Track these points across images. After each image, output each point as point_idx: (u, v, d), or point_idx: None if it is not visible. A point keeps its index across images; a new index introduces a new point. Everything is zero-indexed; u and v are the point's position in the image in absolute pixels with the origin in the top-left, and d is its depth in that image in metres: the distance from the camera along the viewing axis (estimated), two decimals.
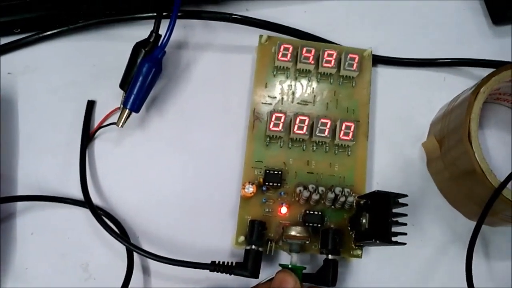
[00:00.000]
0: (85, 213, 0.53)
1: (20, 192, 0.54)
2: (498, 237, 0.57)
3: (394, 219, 0.47)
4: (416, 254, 0.56)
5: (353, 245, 0.52)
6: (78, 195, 0.53)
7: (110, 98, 0.56)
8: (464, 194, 0.53)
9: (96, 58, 0.59)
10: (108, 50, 0.59)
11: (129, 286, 0.51)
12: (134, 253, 0.52)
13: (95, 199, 0.54)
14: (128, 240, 0.52)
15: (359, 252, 0.52)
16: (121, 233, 0.53)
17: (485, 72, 0.52)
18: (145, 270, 0.53)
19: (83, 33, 0.59)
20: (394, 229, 0.46)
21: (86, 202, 0.52)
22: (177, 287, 0.53)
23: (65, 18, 0.58)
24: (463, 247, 0.55)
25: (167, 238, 0.54)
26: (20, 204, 0.54)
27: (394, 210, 0.47)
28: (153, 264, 0.53)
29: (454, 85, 0.60)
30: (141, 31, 0.55)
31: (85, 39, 0.59)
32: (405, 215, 0.47)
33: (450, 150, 0.52)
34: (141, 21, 0.58)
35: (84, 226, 0.53)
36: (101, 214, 0.52)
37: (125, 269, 0.52)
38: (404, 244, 0.46)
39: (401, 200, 0.47)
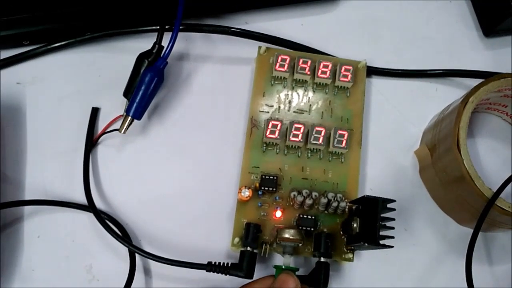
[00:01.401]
0: (89, 217, 0.54)
1: (28, 196, 0.55)
2: (489, 240, 0.58)
3: (383, 223, 0.47)
4: (408, 259, 0.56)
5: (345, 249, 0.53)
6: (83, 199, 0.54)
7: (114, 106, 0.57)
8: (455, 201, 0.54)
9: (101, 69, 0.60)
10: (113, 61, 0.60)
11: (131, 287, 0.52)
12: (136, 255, 0.53)
13: (99, 203, 0.55)
14: (130, 242, 0.53)
15: (350, 255, 0.53)
16: (123, 236, 0.54)
17: (476, 82, 0.53)
18: (147, 272, 0.54)
19: (89, 45, 0.60)
20: (383, 233, 0.47)
21: (89, 206, 0.53)
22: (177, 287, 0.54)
23: (72, 31, 0.59)
24: (454, 251, 0.56)
25: (168, 240, 0.55)
26: (27, 208, 0.55)
27: (383, 215, 0.48)
28: (154, 265, 0.54)
29: (446, 95, 0.61)
30: (144, 43, 0.56)
31: (91, 51, 0.60)
32: (393, 219, 0.48)
33: (440, 157, 0.53)
34: (145, 34, 0.59)
35: (88, 230, 0.54)
36: (104, 218, 0.53)
37: (127, 270, 0.52)
38: (392, 247, 0.47)
39: (389, 205, 0.48)
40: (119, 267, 0.53)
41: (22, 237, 0.54)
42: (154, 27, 0.59)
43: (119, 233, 0.53)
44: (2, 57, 0.59)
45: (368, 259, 0.56)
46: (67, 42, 0.59)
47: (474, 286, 0.50)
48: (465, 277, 0.50)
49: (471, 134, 0.60)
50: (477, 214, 0.51)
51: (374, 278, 0.56)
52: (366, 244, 0.47)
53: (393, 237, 0.47)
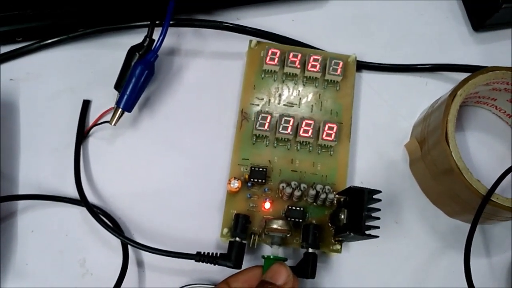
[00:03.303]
0: (82, 211, 0.54)
1: (21, 191, 0.55)
2: (481, 232, 0.58)
3: (369, 213, 0.48)
4: (399, 251, 0.57)
5: (333, 240, 0.53)
6: (76, 193, 0.54)
7: (105, 100, 0.57)
8: (444, 193, 0.55)
9: (93, 64, 0.60)
10: (105, 57, 0.60)
11: (125, 279, 0.52)
12: (129, 248, 0.54)
13: (91, 197, 0.55)
14: (122, 233, 0.54)
15: (338, 247, 0.53)
16: (116, 229, 0.54)
17: (465, 76, 0.53)
18: (140, 264, 0.54)
19: (82, 41, 0.60)
20: (370, 223, 0.48)
21: (81, 200, 0.53)
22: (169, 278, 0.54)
23: (65, 27, 0.59)
24: (444, 243, 0.57)
25: (160, 232, 0.55)
26: (21, 203, 0.55)
27: (370, 206, 0.48)
28: (146, 258, 0.54)
29: (436, 89, 0.61)
30: (136, 39, 0.57)
31: (83, 47, 0.61)
32: (379, 209, 0.48)
33: (430, 150, 0.54)
34: (137, 30, 0.60)
35: (82, 224, 0.55)
36: (97, 212, 0.53)
37: (121, 264, 0.53)
38: (377, 237, 0.47)
39: (375, 196, 0.48)
40: (113, 260, 0.54)
41: (16, 232, 0.55)
42: (145, 23, 0.59)
43: (111, 225, 0.53)
44: None
45: (357, 251, 0.56)
46: (59, 38, 0.59)
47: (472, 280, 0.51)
48: (464, 273, 0.51)
49: (460, 128, 0.61)
50: (466, 206, 0.52)
51: (363, 270, 0.56)
52: (352, 234, 0.48)
53: (378, 227, 0.48)
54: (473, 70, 0.58)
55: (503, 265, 0.57)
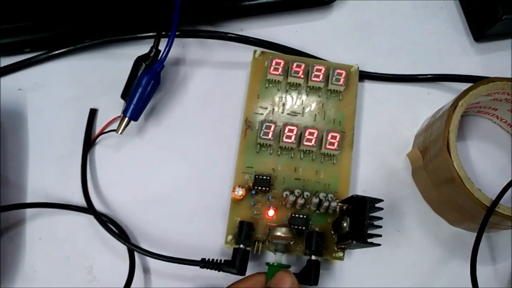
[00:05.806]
0: (89, 219, 0.55)
1: (29, 199, 0.56)
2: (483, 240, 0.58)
3: (371, 222, 0.48)
4: (401, 259, 0.57)
5: (335, 247, 0.53)
6: (83, 200, 0.55)
7: (112, 109, 0.58)
8: (446, 202, 0.55)
9: (100, 74, 0.61)
10: (112, 67, 0.61)
11: (131, 285, 0.53)
12: (136, 255, 0.54)
13: (98, 204, 0.56)
14: (128, 240, 0.54)
15: (341, 254, 0.53)
16: (123, 236, 0.54)
17: (466, 86, 0.54)
18: (146, 271, 0.55)
19: (89, 52, 0.61)
20: (372, 231, 0.48)
21: (88, 208, 0.54)
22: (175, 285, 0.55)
23: (72, 38, 0.60)
24: (446, 252, 0.57)
25: (165, 239, 0.56)
26: (29, 211, 0.56)
27: (372, 214, 0.49)
28: (153, 264, 0.55)
29: (437, 99, 0.62)
30: (142, 50, 0.58)
31: (90, 57, 0.61)
32: (381, 218, 0.49)
33: (431, 160, 0.54)
34: (143, 41, 0.60)
35: (89, 231, 0.55)
36: (105, 220, 0.54)
37: (127, 271, 0.53)
38: (379, 245, 0.48)
39: (377, 205, 0.49)
40: (119, 267, 0.54)
41: (24, 239, 0.55)
42: (151, 34, 0.60)
43: (117, 232, 0.54)
44: (4, 65, 0.60)
45: (360, 258, 0.57)
46: (67, 49, 0.60)
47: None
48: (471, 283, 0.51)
49: (462, 137, 0.61)
50: (467, 215, 0.53)
51: (365, 277, 0.57)
52: (354, 242, 0.48)
53: (380, 235, 0.48)
54: (474, 80, 0.59)
55: (504, 273, 0.58)
